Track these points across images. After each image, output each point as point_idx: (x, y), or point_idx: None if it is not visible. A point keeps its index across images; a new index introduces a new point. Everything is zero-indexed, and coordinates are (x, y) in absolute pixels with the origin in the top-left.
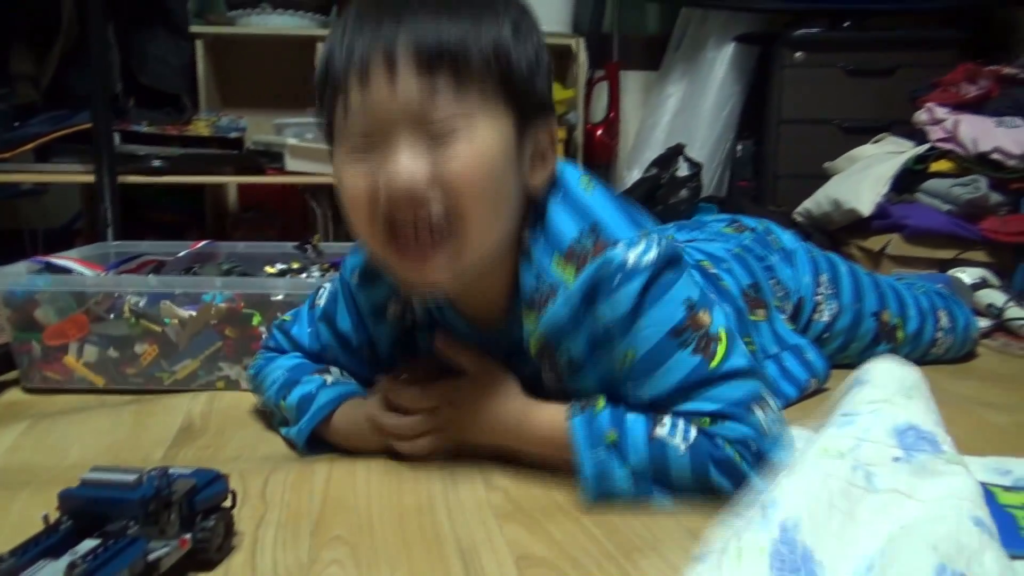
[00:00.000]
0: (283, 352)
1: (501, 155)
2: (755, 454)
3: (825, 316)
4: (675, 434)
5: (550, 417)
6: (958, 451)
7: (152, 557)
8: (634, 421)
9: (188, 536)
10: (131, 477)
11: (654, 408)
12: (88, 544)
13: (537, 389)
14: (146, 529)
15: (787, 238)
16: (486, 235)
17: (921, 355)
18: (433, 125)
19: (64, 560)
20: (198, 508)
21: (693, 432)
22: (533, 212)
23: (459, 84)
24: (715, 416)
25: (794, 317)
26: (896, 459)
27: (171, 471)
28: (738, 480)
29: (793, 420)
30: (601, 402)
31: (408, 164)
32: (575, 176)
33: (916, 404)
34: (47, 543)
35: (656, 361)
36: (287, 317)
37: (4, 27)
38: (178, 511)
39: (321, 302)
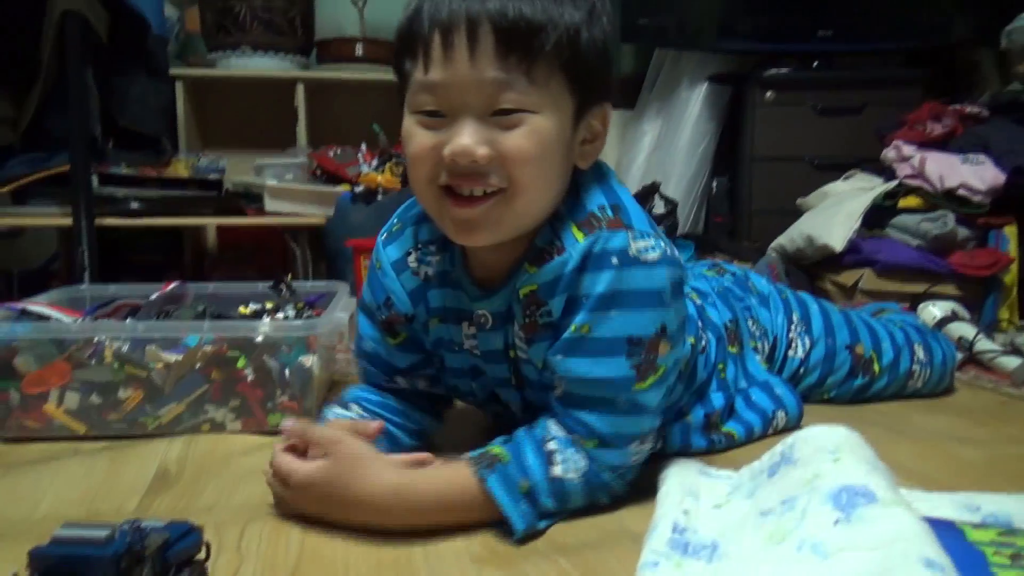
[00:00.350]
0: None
1: (558, 137)
2: (625, 479)
3: (799, 352)
4: (568, 468)
5: (447, 480)
6: (895, 492)
7: None
8: (533, 462)
9: None
10: (103, 533)
11: (561, 398)
12: None
13: (501, 360)
14: None
15: (762, 283)
16: (534, 206)
17: (900, 387)
18: (501, 109)
19: None
20: (171, 562)
21: (582, 462)
22: (574, 186)
23: (532, 64)
24: (602, 441)
25: (770, 355)
26: (836, 522)
27: (144, 525)
28: (614, 498)
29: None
30: (497, 450)
31: (473, 142)
32: (611, 170)
33: (843, 464)
34: None
35: (599, 349)
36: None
37: None
38: (151, 566)
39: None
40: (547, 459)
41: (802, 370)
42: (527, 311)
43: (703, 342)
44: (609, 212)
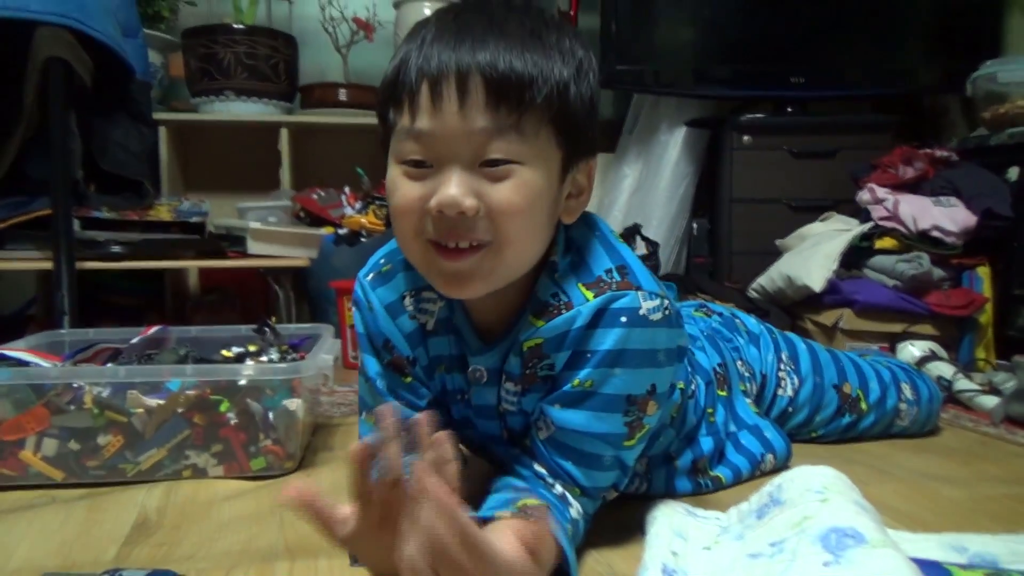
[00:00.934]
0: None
1: (546, 190)
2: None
3: (788, 391)
4: (576, 512)
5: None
6: (883, 533)
7: None
8: (561, 507)
9: None
10: None
11: (547, 441)
12: None
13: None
14: None
15: (752, 322)
16: (522, 257)
17: (887, 425)
18: (489, 160)
19: None
20: None
21: (580, 508)
22: (566, 239)
23: (521, 116)
24: (584, 491)
25: (759, 394)
26: (826, 564)
27: (123, 574)
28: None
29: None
30: (532, 501)
31: (460, 193)
32: (607, 226)
33: (831, 505)
34: None
35: (600, 405)
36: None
37: None
38: None
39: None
40: (565, 503)
41: (790, 408)
42: (528, 363)
43: (692, 387)
44: (616, 275)
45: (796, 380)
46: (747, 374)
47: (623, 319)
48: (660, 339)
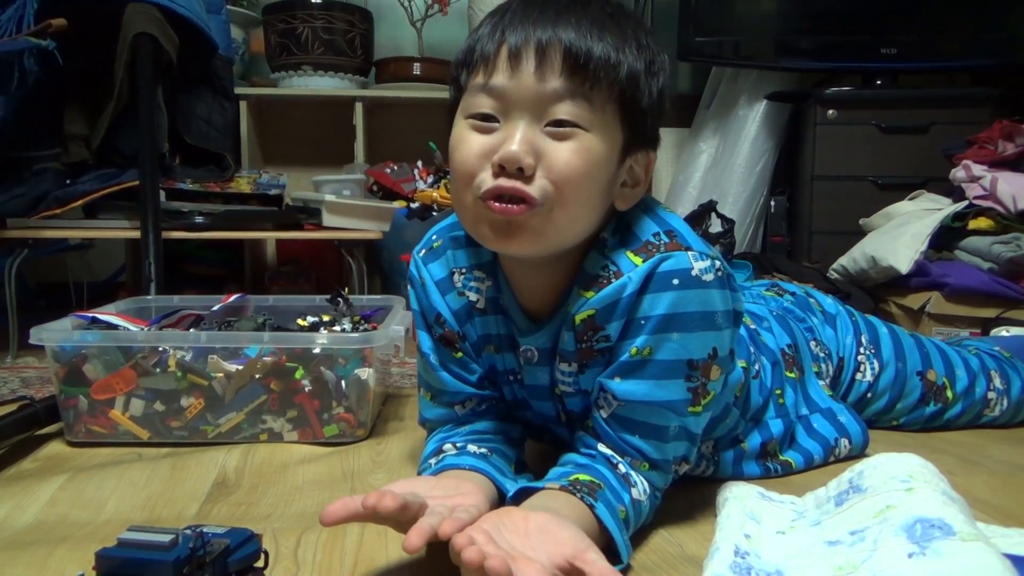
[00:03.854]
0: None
1: (603, 163)
2: (659, 502)
3: (867, 376)
4: (640, 491)
5: (574, 510)
6: (973, 526)
7: None
8: (620, 489)
9: None
10: (167, 538)
11: (610, 419)
12: None
13: (543, 394)
14: None
15: (828, 302)
16: (573, 224)
17: (975, 416)
18: (556, 120)
19: None
20: (231, 569)
21: (646, 484)
22: (616, 221)
23: (590, 93)
24: (653, 465)
25: (836, 378)
26: (911, 555)
27: (205, 531)
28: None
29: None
30: (585, 476)
31: (523, 150)
32: (654, 201)
33: (917, 495)
34: None
35: (661, 372)
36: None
37: (60, 91)
38: (211, 572)
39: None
40: (627, 483)
41: (869, 394)
42: (583, 337)
43: (756, 366)
44: (664, 238)
45: (876, 365)
46: (822, 355)
47: (675, 281)
48: (715, 300)
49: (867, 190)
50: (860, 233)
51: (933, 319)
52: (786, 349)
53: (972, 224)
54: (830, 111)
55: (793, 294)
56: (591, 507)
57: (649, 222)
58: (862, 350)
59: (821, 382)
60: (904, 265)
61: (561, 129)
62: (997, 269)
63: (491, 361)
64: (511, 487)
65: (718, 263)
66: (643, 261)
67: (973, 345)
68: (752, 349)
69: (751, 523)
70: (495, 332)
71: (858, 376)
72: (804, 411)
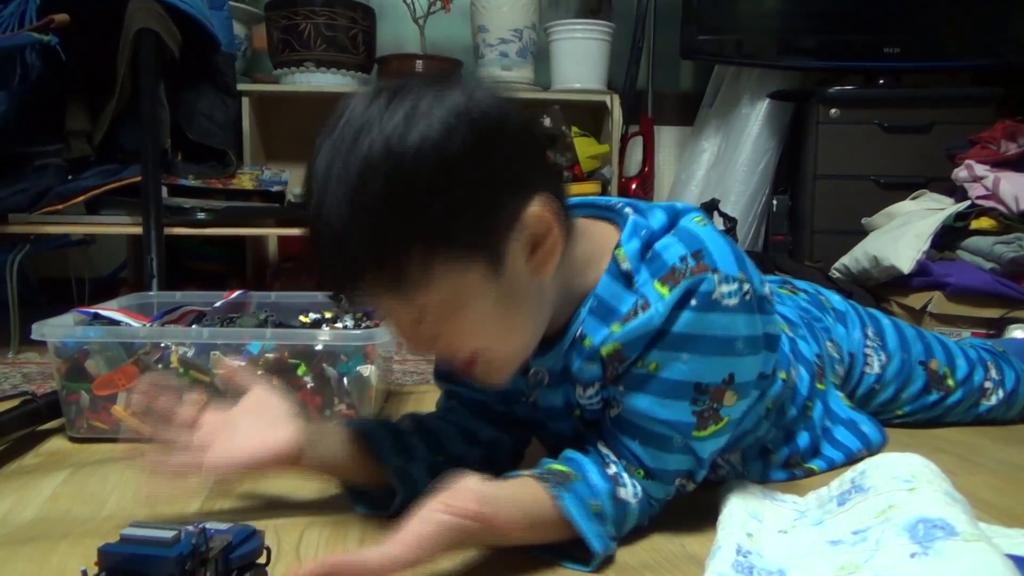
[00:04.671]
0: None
1: (485, 303)
2: (660, 508)
3: (875, 368)
4: (629, 493)
5: (514, 492)
6: (976, 527)
7: None
8: (599, 482)
9: None
10: (169, 534)
11: (615, 420)
12: None
13: (557, 417)
14: None
15: (836, 299)
16: (521, 345)
17: (973, 403)
18: (424, 316)
19: None
20: (233, 565)
21: (637, 488)
22: (640, 239)
23: (402, 286)
24: (649, 473)
25: (847, 374)
26: (913, 555)
27: (208, 528)
28: (649, 523)
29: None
30: (562, 468)
31: (414, 344)
32: (690, 215)
33: (919, 495)
34: None
35: (664, 390)
36: None
37: (62, 87)
38: (214, 568)
39: None
40: (612, 483)
41: (877, 386)
42: (610, 367)
43: (793, 377)
44: (691, 261)
45: (883, 356)
46: (836, 356)
47: (693, 302)
48: (738, 325)
49: (869, 189)
50: (862, 232)
51: (935, 319)
52: (816, 360)
53: (974, 224)
54: (832, 110)
55: (806, 292)
56: (554, 497)
57: (676, 244)
58: (868, 342)
59: (838, 393)
60: (906, 265)
61: (422, 325)
62: (999, 269)
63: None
64: (393, 462)
65: (747, 286)
66: (669, 291)
67: (967, 342)
68: (791, 358)
69: (753, 522)
70: None
71: (866, 369)
72: (827, 423)
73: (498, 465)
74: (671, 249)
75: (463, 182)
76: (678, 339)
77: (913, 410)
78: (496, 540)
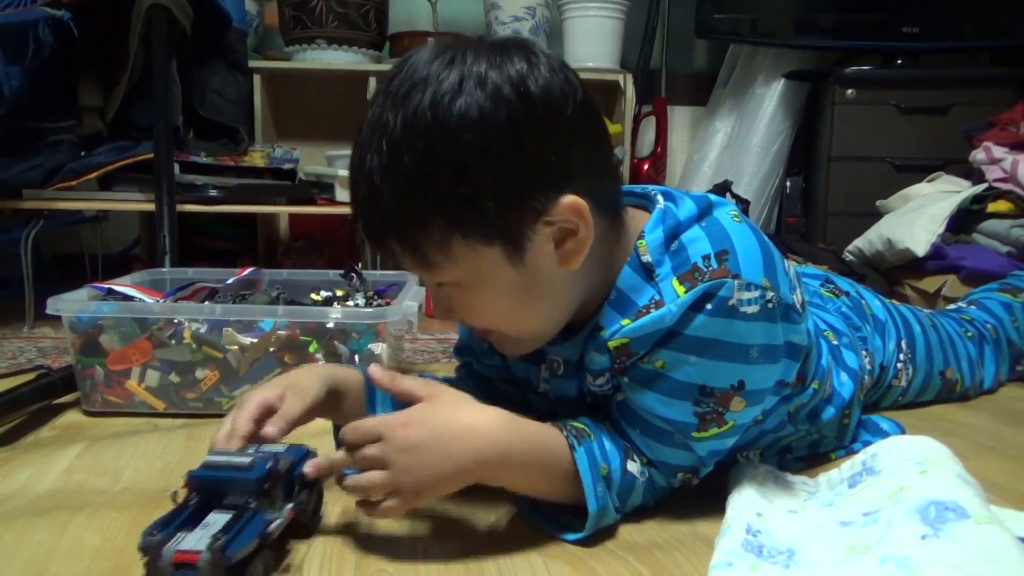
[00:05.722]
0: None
1: (502, 286)
2: (665, 495)
3: (903, 382)
4: (636, 468)
5: (542, 433)
6: (987, 510)
7: (270, 528)
8: (612, 451)
9: (292, 506)
10: (246, 459)
11: (621, 406)
12: (215, 517)
13: (569, 407)
14: (262, 503)
15: (877, 307)
16: (541, 326)
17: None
18: (444, 284)
19: (200, 532)
20: (295, 482)
21: (645, 469)
22: (666, 229)
23: (424, 254)
24: (651, 463)
25: (876, 383)
26: (924, 536)
27: (274, 450)
28: (655, 504)
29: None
30: (581, 426)
31: (435, 306)
32: (725, 208)
33: (931, 477)
34: (181, 518)
35: (669, 390)
36: None
37: (74, 63)
38: (282, 485)
39: None
40: (625, 453)
41: (901, 398)
42: (617, 360)
43: (829, 386)
44: (714, 262)
45: (911, 370)
46: (869, 367)
47: (708, 306)
48: (755, 333)
49: (885, 171)
50: (876, 215)
51: (949, 302)
52: (858, 370)
53: (991, 207)
54: (849, 91)
55: (847, 294)
56: (572, 448)
57: (703, 239)
58: (902, 356)
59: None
60: (921, 248)
61: (443, 288)
62: (1015, 253)
63: (519, 371)
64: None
65: (771, 294)
66: (686, 291)
67: (970, 314)
68: (832, 369)
69: (763, 502)
70: None
71: (894, 383)
72: (859, 432)
73: None
74: (697, 244)
75: (496, 167)
76: (690, 342)
77: (917, 402)
78: (509, 477)
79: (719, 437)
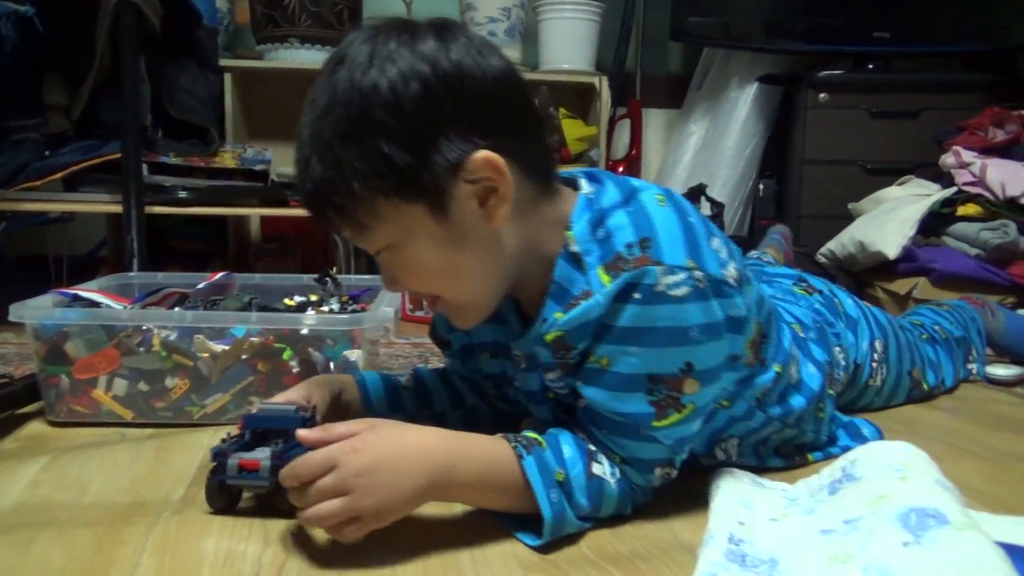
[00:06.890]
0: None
1: (432, 244)
2: (645, 496)
3: (878, 382)
4: (606, 471)
5: (487, 448)
6: (967, 516)
7: None
8: (571, 457)
9: None
10: (292, 408)
11: (584, 411)
12: (264, 450)
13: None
14: None
15: (850, 305)
16: (482, 288)
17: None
18: (382, 250)
19: (256, 452)
20: (310, 424)
21: (617, 471)
22: (597, 210)
23: (342, 221)
24: (623, 460)
25: (851, 382)
26: (905, 544)
27: (297, 406)
28: (636, 509)
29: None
30: (534, 435)
31: (383, 280)
32: (651, 192)
33: (910, 483)
34: (239, 444)
35: (617, 384)
36: None
37: (39, 59)
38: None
39: None
40: (588, 456)
41: (876, 399)
42: (558, 355)
43: (794, 372)
44: (637, 251)
45: (885, 370)
46: (843, 363)
47: (636, 295)
48: (689, 314)
49: (856, 175)
50: (849, 217)
51: (919, 305)
52: (825, 364)
53: (961, 210)
54: (821, 95)
55: (820, 292)
56: (520, 457)
57: (627, 226)
58: (875, 356)
59: (834, 400)
60: (892, 250)
61: (385, 256)
62: (984, 255)
63: (491, 369)
64: (377, 411)
65: (699, 273)
66: (611, 280)
67: (918, 319)
68: (797, 356)
69: (744, 510)
70: (490, 340)
71: (871, 383)
72: (833, 427)
73: (477, 430)
74: (621, 232)
75: (406, 123)
76: (625, 333)
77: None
78: (462, 492)
79: (681, 423)
